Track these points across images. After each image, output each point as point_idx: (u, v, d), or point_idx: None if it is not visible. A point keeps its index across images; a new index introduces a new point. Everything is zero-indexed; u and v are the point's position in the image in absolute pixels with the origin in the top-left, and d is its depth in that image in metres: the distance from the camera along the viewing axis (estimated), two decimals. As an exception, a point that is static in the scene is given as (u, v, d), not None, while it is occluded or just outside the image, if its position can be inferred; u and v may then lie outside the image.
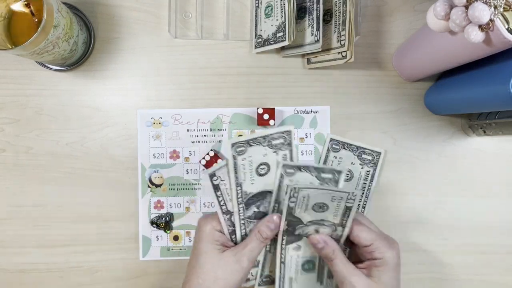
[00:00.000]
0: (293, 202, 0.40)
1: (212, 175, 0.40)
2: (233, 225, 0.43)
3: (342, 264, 0.40)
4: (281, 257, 0.44)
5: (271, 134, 0.42)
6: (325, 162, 0.52)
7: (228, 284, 0.40)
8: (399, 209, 0.53)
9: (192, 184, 0.52)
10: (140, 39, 0.52)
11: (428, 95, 0.52)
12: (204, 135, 0.52)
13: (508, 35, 0.32)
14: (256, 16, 0.51)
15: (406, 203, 0.53)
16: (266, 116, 0.50)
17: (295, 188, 0.39)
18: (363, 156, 0.49)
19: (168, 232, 0.52)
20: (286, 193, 0.39)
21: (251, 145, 0.41)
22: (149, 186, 0.52)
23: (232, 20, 0.52)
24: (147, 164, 0.52)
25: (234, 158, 0.41)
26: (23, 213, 0.52)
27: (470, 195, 0.53)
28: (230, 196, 0.42)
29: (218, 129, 0.52)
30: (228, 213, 0.42)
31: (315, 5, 0.48)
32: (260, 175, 0.42)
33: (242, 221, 0.43)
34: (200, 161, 0.51)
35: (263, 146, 0.42)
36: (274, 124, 0.51)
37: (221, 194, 0.41)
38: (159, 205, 0.52)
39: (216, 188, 0.41)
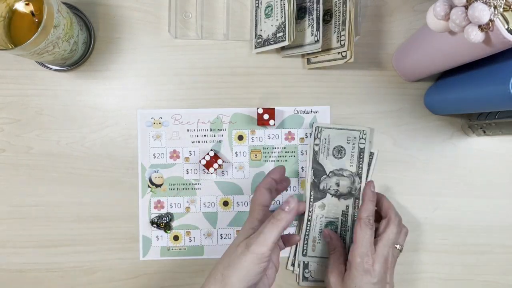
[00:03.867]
0: (317, 145, 0.47)
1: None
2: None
3: (333, 260, 0.47)
4: (308, 215, 0.50)
5: None
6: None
7: (241, 273, 0.38)
8: (399, 209, 0.53)
9: (192, 184, 0.52)
10: (140, 39, 0.52)
11: (428, 95, 0.52)
12: (204, 135, 0.52)
13: (508, 35, 0.32)
14: (256, 16, 0.51)
15: (406, 203, 0.53)
16: (266, 116, 0.50)
17: (318, 127, 0.49)
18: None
19: (168, 232, 0.52)
20: (311, 134, 0.49)
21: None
22: (149, 186, 0.52)
23: (232, 20, 0.52)
24: (147, 164, 0.52)
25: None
26: (23, 213, 0.52)
27: (470, 195, 0.53)
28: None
29: (218, 129, 0.52)
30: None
31: (315, 5, 0.48)
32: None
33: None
34: (200, 161, 0.51)
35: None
36: (274, 124, 0.51)
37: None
38: (159, 205, 0.52)
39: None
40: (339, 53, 0.48)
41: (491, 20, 0.32)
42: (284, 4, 0.47)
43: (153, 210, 0.52)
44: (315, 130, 0.49)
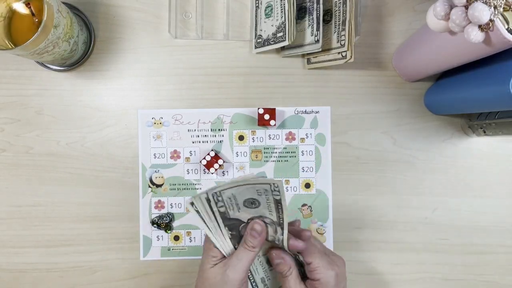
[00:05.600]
0: (222, 206, 0.38)
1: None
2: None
3: (294, 282, 0.39)
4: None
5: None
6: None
7: None
8: (399, 209, 0.53)
9: (193, 184, 0.52)
10: (140, 39, 0.52)
11: (428, 95, 0.52)
12: (205, 135, 0.52)
13: (508, 35, 0.32)
14: (256, 16, 0.51)
15: (406, 203, 0.53)
16: (267, 117, 0.50)
17: (215, 193, 0.37)
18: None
19: (169, 232, 0.52)
20: (209, 201, 0.37)
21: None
22: (149, 186, 0.52)
23: (232, 20, 0.52)
24: (148, 164, 0.52)
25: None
26: (23, 213, 0.52)
27: (470, 195, 0.53)
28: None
29: (219, 129, 0.52)
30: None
31: (315, 5, 0.48)
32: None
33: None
34: (201, 161, 0.51)
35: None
36: (275, 125, 0.51)
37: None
38: (159, 205, 0.52)
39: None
40: (339, 53, 0.48)
41: (491, 20, 0.32)
42: (284, 4, 0.47)
43: (153, 210, 0.52)
44: (213, 196, 0.37)
